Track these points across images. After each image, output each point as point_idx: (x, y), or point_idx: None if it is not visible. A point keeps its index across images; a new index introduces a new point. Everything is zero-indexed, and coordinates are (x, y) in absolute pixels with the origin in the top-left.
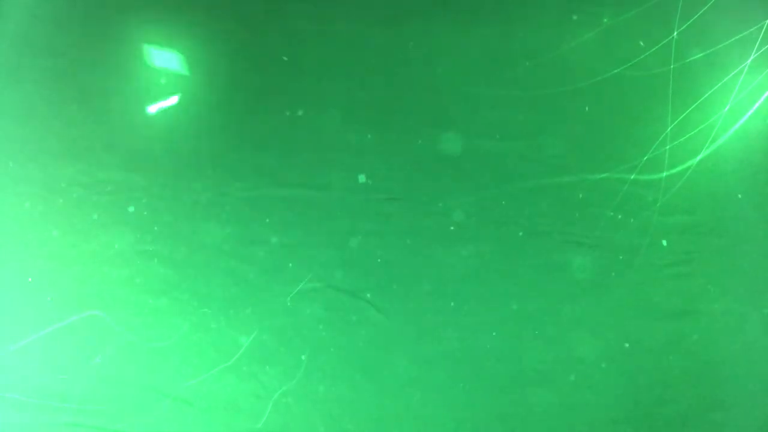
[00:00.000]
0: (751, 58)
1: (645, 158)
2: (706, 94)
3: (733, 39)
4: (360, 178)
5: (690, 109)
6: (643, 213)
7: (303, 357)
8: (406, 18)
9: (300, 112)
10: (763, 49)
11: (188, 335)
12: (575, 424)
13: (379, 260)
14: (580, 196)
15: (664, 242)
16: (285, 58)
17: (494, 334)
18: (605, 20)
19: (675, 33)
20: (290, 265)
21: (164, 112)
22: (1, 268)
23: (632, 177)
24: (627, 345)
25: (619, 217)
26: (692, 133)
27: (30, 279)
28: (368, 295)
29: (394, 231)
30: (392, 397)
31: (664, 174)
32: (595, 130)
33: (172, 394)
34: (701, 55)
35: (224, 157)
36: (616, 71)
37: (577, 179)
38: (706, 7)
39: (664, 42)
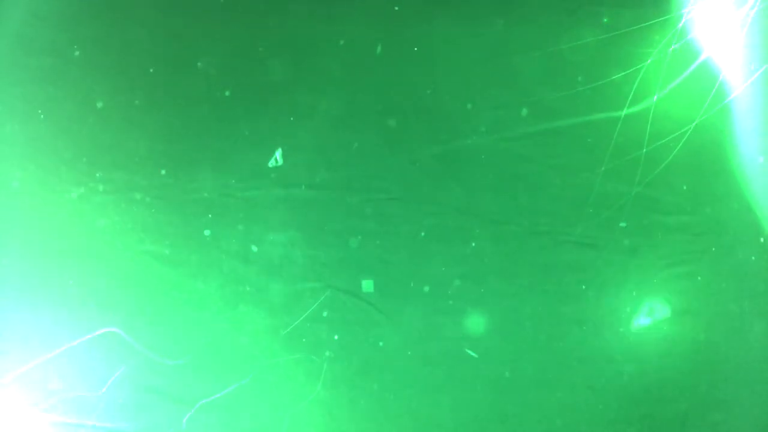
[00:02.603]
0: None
1: (645, 157)
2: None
3: None
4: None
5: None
6: (643, 213)
7: (303, 357)
8: (407, 18)
9: (300, 112)
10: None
11: (187, 334)
12: (575, 424)
13: (379, 260)
14: (581, 196)
15: (660, 239)
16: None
17: (494, 334)
18: (605, 20)
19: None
20: (290, 265)
21: (164, 112)
22: (1, 268)
23: (632, 176)
24: (626, 345)
25: (619, 216)
26: (692, 130)
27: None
28: (368, 295)
29: (394, 231)
30: (392, 397)
31: (664, 173)
32: (597, 130)
33: (178, 398)
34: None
35: (224, 157)
36: (622, 73)
37: (578, 180)
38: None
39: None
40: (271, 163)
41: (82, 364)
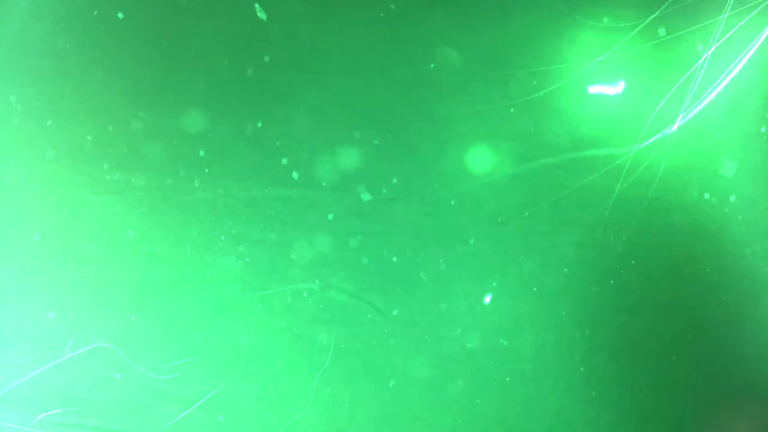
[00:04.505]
0: None
1: (645, 158)
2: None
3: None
4: None
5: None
6: (643, 213)
7: (303, 357)
8: (406, 18)
9: (299, 113)
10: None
11: (187, 335)
12: (575, 424)
13: (379, 260)
14: (581, 195)
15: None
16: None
17: (493, 334)
18: (605, 20)
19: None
20: (290, 265)
21: (164, 112)
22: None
23: (632, 177)
24: (627, 345)
25: (619, 217)
26: (692, 129)
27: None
28: (368, 295)
29: (394, 231)
30: (392, 397)
31: (664, 174)
32: (594, 131)
33: (176, 398)
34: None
35: (224, 157)
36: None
37: (578, 180)
38: None
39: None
40: (260, 15)
41: (79, 370)
